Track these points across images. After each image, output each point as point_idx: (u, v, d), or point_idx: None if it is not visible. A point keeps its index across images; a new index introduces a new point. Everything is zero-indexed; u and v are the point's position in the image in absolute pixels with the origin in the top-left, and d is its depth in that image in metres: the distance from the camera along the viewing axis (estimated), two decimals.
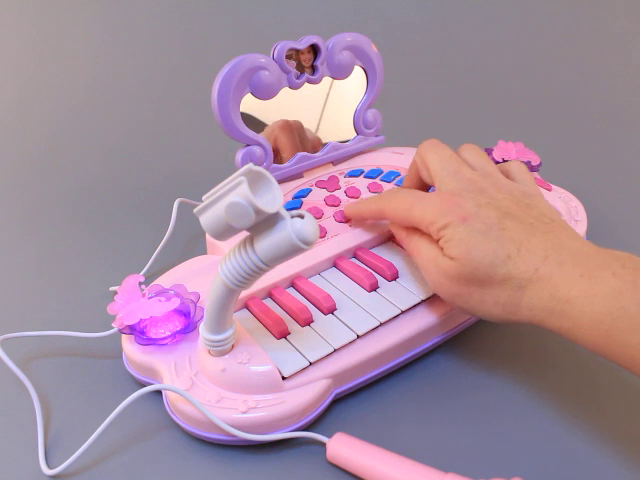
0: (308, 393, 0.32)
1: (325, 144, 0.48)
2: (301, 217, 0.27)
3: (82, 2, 0.89)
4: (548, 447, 0.32)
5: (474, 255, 0.31)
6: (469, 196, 0.33)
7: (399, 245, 0.41)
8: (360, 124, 0.49)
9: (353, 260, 0.40)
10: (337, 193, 0.45)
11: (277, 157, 0.45)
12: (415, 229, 0.36)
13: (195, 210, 0.28)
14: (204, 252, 0.44)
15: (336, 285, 0.38)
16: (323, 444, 0.31)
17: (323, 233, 0.41)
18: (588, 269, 0.29)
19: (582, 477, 0.31)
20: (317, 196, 0.45)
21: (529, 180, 0.37)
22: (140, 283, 0.37)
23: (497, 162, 0.50)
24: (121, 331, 0.35)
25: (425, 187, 0.40)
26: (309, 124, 0.47)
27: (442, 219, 0.33)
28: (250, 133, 0.42)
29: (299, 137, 0.46)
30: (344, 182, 0.46)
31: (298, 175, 0.46)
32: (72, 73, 0.82)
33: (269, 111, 0.44)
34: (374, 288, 0.38)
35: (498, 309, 0.32)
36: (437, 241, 0.33)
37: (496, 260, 0.31)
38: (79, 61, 0.84)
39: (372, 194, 0.45)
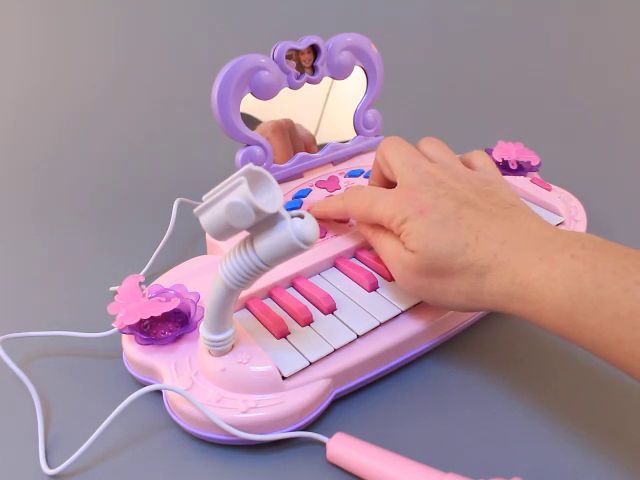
0: (308, 393, 0.32)
1: (325, 144, 0.48)
2: (301, 217, 0.27)
3: (82, 2, 0.89)
4: (548, 447, 0.32)
5: (432, 246, 0.31)
6: (427, 189, 0.33)
7: None
8: (360, 124, 0.49)
9: (353, 260, 0.40)
10: (337, 193, 0.45)
11: None
12: (379, 226, 0.36)
13: (195, 210, 0.28)
14: (204, 252, 0.44)
15: (336, 285, 0.38)
16: (323, 444, 0.31)
17: (323, 233, 0.41)
18: (547, 252, 0.29)
19: (582, 477, 0.31)
20: (317, 196, 0.45)
21: (490, 167, 0.37)
22: (140, 283, 0.37)
23: (497, 162, 0.50)
24: (121, 331, 0.35)
25: (390, 184, 0.40)
26: (309, 124, 0.47)
27: (401, 214, 0.33)
28: (250, 133, 0.42)
29: (291, 137, 0.46)
30: (344, 182, 0.46)
31: (298, 175, 0.47)
32: (71, 73, 0.82)
33: (269, 111, 0.44)
34: (374, 288, 0.38)
35: (461, 298, 0.32)
36: (399, 236, 0.34)
37: (454, 249, 0.31)
38: (79, 61, 0.84)
39: None
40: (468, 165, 0.38)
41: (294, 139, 0.46)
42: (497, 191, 0.34)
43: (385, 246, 0.35)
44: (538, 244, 0.30)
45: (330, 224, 0.42)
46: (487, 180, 0.35)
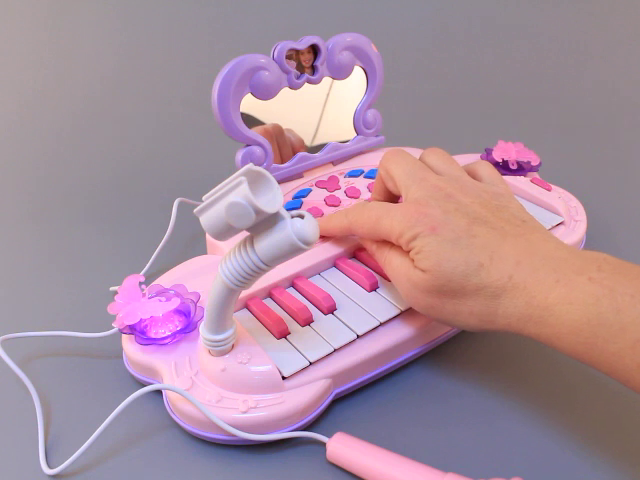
0: (308, 393, 0.32)
1: (325, 144, 0.48)
2: (301, 217, 0.27)
3: (82, 2, 0.89)
4: (549, 447, 0.32)
5: (445, 267, 0.30)
6: (436, 204, 0.32)
7: None
8: (360, 124, 0.49)
9: (353, 260, 0.40)
10: (337, 193, 0.45)
11: None
12: (385, 242, 0.35)
13: (195, 210, 0.28)
14: (204, 252, 0.44)
15: (336, 285, 0.38)
16: (323, 444, 0.31)
17: None
18: (564, 274, 0.28)
19: (582, 477, 0.31)
20: (317, 196, 0.45)
21: (497, 179, 0.36)
22: (140, 283, 0.37)
23: (496, 163, 0.50)
24: (121, 331, 0.35)
25: (394, 198, 0.39)
26: (309, 124, 0.47)
27: (410, 230, 0.32)
28: (250, 133, 0.42)
29: (278, 143, 0.45)
30: (344, 182, 0.46)
31: (298, 175, 0.47)
32: (72, 73, 0.82)
33: (269, 111, 0.44)
34: (374, 288, 0.38)
35: (474, 319, 0.31)
36: (407, 252, 0.33)
37: (468, 270, 0.30)
38: (79, 62, 0.84)
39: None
40: (473, 176, 0.37)
41: (281, 145, 0.46)
42: (507, 206, 0.34)
43: (392, 262, 0.34)
44: (554, 265, 0.29)
45: None
46: (495, 193, 0.34)
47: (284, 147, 0.46)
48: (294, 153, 0.46)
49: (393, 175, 0.36)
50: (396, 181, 0.36)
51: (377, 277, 0.38)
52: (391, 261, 0.34)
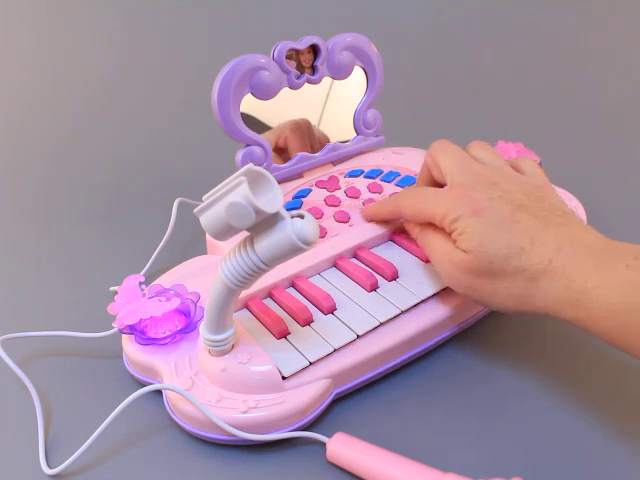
0: (308, 393, 0.32)
1: (326, 144, 0.48)
2: (301, 217, 0.27)
3: (83, 2, 0.89)
4: (548, 446, 0.32)
5: (488, 248, 0.31)
6: (481, 189, 0.34)
7: (400, 245, 0.41)
8: (360, 124, 0.49)
9: (353, 260, 0.40)
10: (337, 193, 0.45)
11: (285, 157, 0.46)
12: (429, 224, 0.36)
13: (195, 210, 0.28)
14: (204, 252, 0.44)
15: (336, 285, 0.38)
16: (323, 444, 0.31)
17: (323, 233, 0.41)
18: (602, 261, 0.29)
19: (582, 477, 0.31)
20: (317, 196, 0.45)
21: (539, 173, 0.37)
22: (140, 283, 0.37)
23: None
24: (121, 331, 0.35)
25: (439, 187, 0.40)
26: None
27: (454, 212, 0.33)
28: (250, 133, 0.42)
29: (308, 137, 0.47)
30: (344, 182, 0.46)
31: (298, 175, 0.46)
32: (72, 73, 0.82)
33: (269, 111, 0.44)
34: (374, 288, 0.38)
35: (511, 300, 0.32)
36: (450, 234, 0.34)
37: (509, 252, 0.31)
38: (79, 61, 0.84)
39: (372, 194, 0.45)
40: (517, 170, 0.38)
41: (312, 140, 0.47)
42: (549, 198, 0.34)
43: (434, 244, 0.35)
44: (592, 253, 0.30)
45: (330, 224, 0.42)
46: (537, 185, 0.35)
47: (314, 140, 0.47)
48: (321, 146, 0.47)
49: (439, 163, 0.37)
50: (442, 168, 0.37)
51: (377, 277, 0.38)
52: (434, 243, 0.35)
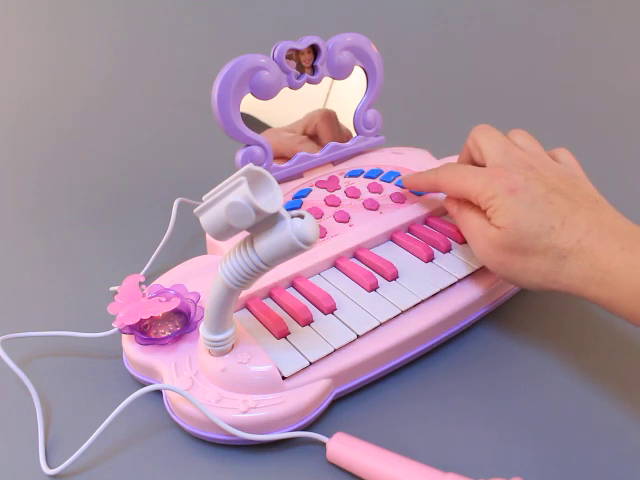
0: (308, 393, 0.32)
1: (324, 144, 0.48)
2: (301, 217, 0.27)
3: (83, 2, 0.89)
4: (549, 446, 0.32)
5: (521, 225, 0.33)
6: (518, 170, 0.35)
7: (400, 245, 0.41)
8: (360, 124, 0.49)
9: (353, 260, 0.40)
10: (337, 193, 0.45)
11: (315, 144, 0.47)
12: (466, 202, 0.38)
13: (195, 210, 0.28)
14: (204, 252, 0.44)
15: (336, 285, 0.38)
16: (323, 444, 0.31)
17: (323, 233, 0.41)
18: (629, 243, 0.31)
19: (582, 477, 0.31)
20: (317, 196, 0.45)
21: (574, 163, 0.38)
22: (140, 283, 0.37)
23: None
24: (121, 331, 0.35)
25: None
26: None
27: (491, 189, 0.34)
28: (250, 133, 0.42)
29: (338, 126, 0.48)
30: (344, 182, 0.46)
31: (298, 175, 0.46)
32: (71, 73, 0.82)
33: (269, 111, 0.44)
34: (374, 288, 0.38)
35: (539, 277, 0.33)
36: (485, 211, 0.35)
37: (540, 230, 0.33)
38: (79, 62, 0.84)
39: (372, 194, 0.45)
40: (553, 159, 0.39)
41: (340, 130, 0.48)
42: (582, 185, 0.36)
43: (470, 221, 0.37)
44: (620, 235, 0.31)
45: (330, 224, 0.42)
46: (573, 174, 0.37)
47: (341, 131, 0.48)
48: (348, 139, 0.48)
49: (480, 146, 0.39)
50: (482, 151, 0.38)
51: (377, 277, 0.38)
52: (469, 220, 0.37)
